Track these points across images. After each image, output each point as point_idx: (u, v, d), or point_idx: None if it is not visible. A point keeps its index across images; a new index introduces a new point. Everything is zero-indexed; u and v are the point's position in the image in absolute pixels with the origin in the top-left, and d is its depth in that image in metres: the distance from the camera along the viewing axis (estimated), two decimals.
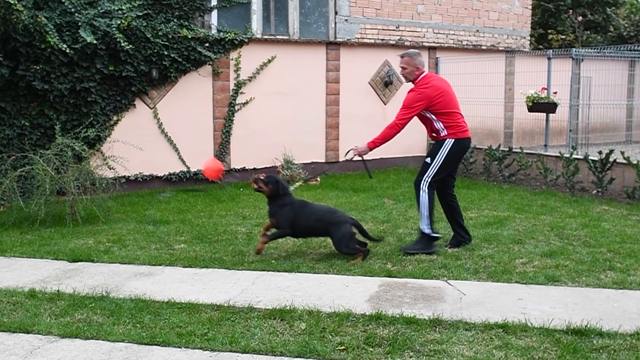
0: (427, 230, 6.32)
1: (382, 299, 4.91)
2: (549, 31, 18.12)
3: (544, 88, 11.00)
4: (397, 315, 4.48)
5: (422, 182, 6.37)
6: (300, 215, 6.14)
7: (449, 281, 5.36)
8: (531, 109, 11.05)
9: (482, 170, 11.30)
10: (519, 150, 10.68)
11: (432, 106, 6.26)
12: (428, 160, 6.41)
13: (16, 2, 8.12)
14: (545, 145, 11.29)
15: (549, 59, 11.38)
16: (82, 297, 5.01)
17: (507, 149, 10.94)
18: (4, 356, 3.93)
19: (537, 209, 8.44)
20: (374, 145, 6.44)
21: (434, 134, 6.46)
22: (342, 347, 3.98)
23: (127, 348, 4.03)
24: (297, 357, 3.87)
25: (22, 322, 4.45)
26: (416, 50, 6.58)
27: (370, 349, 3.97)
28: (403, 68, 6.44)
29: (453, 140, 6.31)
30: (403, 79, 6.61)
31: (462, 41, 13.59)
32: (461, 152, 6.50)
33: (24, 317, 4.59)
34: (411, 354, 3.92)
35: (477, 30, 13.79)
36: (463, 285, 5.26)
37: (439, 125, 6.33)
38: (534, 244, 6.56)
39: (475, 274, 5.55)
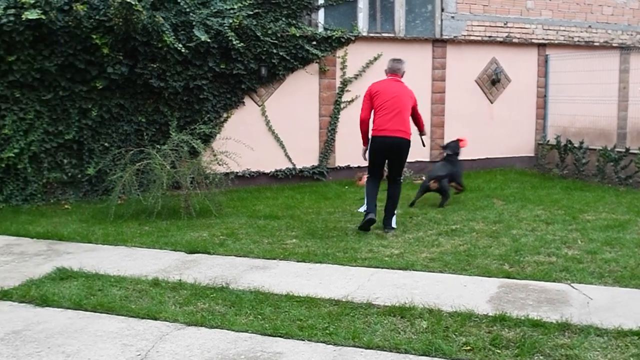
0: (361, 209, 7.45)
1: (504, 301, 4.77)
2: None
3: None
4: (522, 318, 4.32)
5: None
6: None
7: (572, 285, 5.14)
8: None
9: (595, 172, 10.80)
10: (637, 151, 10.15)
11: (372, 102, 7.21)
12: None
13: (136, 3, 8.45)
14: None
15: None
16: (203, 287, 5.14)
17: (623, 150, 10.42)
18: (137, 340, 4.08)
19: None
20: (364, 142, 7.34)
21: None
22: (468, 348, 3.88)
23: (251, 338, 4.09)
24: (422, 355, 3.81)
25: (149, 309, 4.60)
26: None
27: (498, 351, 3.85)
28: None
29: (371, 137, 7.14)
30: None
31: (573, 37, 13.06)
32: (377, 148, 7.14)
33: (150, 304, 4.75)
34: (541, 357, 3.77)
35: (590, 26, 13.22)
36: (588, 289, 5.02)
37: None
38: None
39: (600, 278, 5.30)
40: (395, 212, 7.37)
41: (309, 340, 4.03)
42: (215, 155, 9.46)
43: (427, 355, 3.80)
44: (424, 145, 7.89)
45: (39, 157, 8.98)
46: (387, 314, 4.48)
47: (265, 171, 10.54)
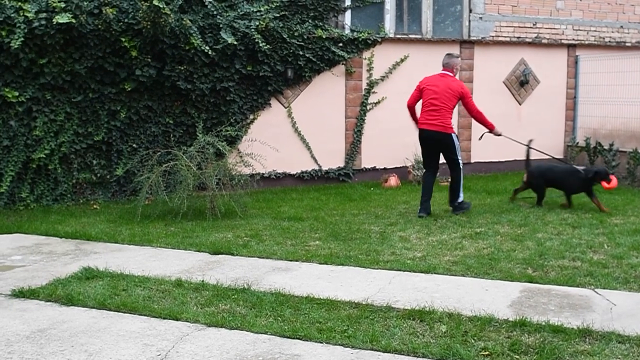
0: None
1: (525, 305, 4.73)
2: None
3: None
4: (543, 323, 4.29)
5: None
6: None
7: (596, 290, 5.08)
8: None
9: (625, 175, 10.63)
10: None
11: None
12: None
13: (164, 6, 8.56)
14: None
15: None
16: (225, 288, 5.19)
17: None
18: (157, 340, 4.14)
19: None
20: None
21: None
22: (486, 353, 3.86)
23: (270, 340, 4.13)
24: (439, 359, 3.81)
25: (171, 310, 4.67)
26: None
27: (516, 357, 3.83)
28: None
29: None
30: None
31: (604, 38, 12.88)
32: (419, 139, 8.16)
33: (172, 304, 4.82)
34: None
35: (622, 26, 13.02)
36: (612, 295, 4.96)
37: None
38: None
39: (625, 283, 5.23)
40: (461, 194, 8.16)
41: (327, 343, 4.05)
42: (241, 156, 9.55)
43: None
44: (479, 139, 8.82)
45: (69, 158, 9.15)
46: (406, 318, 4.48)
47: (291, 172, 10.59)
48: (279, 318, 4.50)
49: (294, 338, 4.14)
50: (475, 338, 4.09)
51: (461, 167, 8.14)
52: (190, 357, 3.89)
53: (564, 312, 4.60)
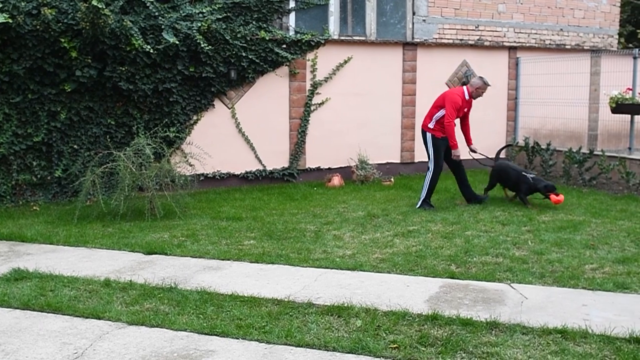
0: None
1: (441, 300, 4.91)
2: None
3: (628, 89, 10.57)
4: (454, 316, 4.47)
5: None
6: None
7: (512, 284, 5.29)
8: (615, 110, 10.63)
9: (561, 174, 10.98)
10: (600, 153, 10.33)
11: None
12: None
13: (104, 7, 8.56)
14: (630, 149, 10.85)
15: (634, 58, 10.95)
16: (152, 287, 5.26)
17: (587, 152, 10.59)
18: (76, 339, 4.20)
19: (616, 214, 8.15)
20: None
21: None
22: (394, 346, 4.02)
23: (188, 337, 4.22)
24: (348, 352, 3.95)
25: (94, 309, 4.72)
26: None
27: (423, 349, 3.99)
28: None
29: None
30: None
31: (544, 40, 13.25)
32: None
33: (97, 304, 4.87)
34: (463, 355, 3.91)
35: (561, 29, 13.42)
36: (526, 289, 5.18)
37: None
38: (607, 249, 6.36)
39: (540, 278, 5.46)
40: (422, 196, 8.70)
41: (243, 339, 4.17)
42: (185, 157, 9.60)
43: (353, 353, 3.94)
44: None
45: (8, 159, 9.07)
46: (325, 314, 4.62)
47: (236, 173, 10.65)
48: (201, 315, 4.60)
49: (211, 334, 4.25)
50: (387, 332, 4.25)
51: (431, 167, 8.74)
52: (107, 355, 3.96)
53: (477, 306, 4.79)
